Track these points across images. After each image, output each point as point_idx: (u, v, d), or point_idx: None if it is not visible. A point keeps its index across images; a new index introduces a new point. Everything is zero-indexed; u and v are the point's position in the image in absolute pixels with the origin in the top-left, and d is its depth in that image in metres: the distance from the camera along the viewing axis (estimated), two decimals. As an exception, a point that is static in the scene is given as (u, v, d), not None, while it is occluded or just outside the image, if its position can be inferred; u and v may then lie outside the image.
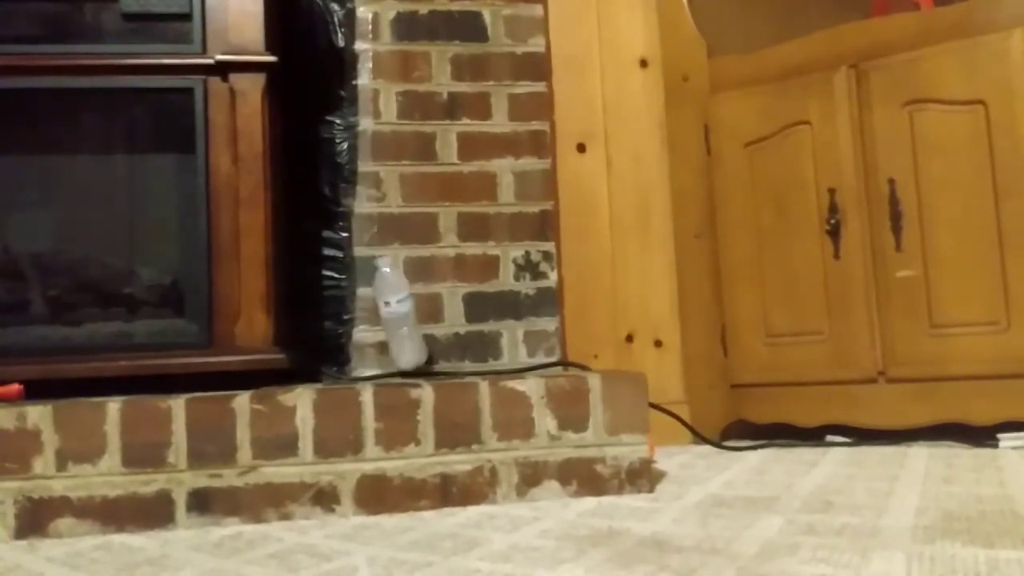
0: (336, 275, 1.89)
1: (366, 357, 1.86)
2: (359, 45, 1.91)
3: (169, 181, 1.77)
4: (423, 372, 1.79)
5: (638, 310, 2.17)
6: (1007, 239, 1.81)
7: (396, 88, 1.91)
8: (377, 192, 1.88)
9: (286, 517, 1.35)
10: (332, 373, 1.83)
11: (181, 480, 1.33)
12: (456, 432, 1.41)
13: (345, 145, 1.90)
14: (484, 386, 1.43)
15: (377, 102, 1.90)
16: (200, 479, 1.33)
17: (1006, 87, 1.82)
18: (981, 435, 1.82)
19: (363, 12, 1.92)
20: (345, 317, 1.88)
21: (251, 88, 1.68)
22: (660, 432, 1.82)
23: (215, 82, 1.68)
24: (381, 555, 1.10)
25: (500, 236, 1.93)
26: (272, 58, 1.69)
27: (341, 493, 1.37)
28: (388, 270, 1.67)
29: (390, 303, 1.67)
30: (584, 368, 1.73)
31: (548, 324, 1.94)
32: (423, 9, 1.93)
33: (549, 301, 1.95)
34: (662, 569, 0.96)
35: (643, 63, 2.22)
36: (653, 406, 1.65)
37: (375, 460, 1.38)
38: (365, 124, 1.90)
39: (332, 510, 1.36)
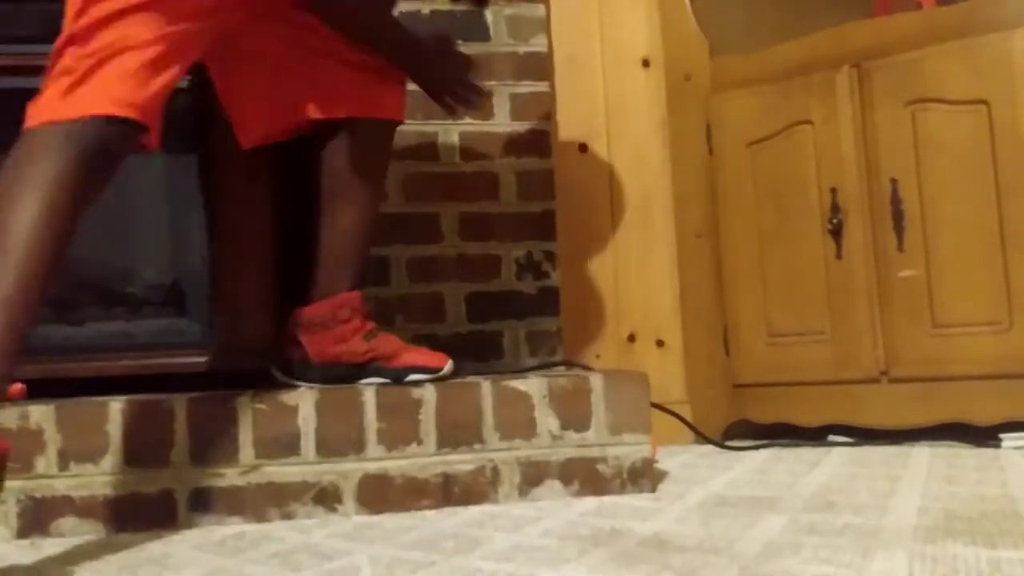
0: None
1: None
2: (361, 45, 1.91)
3: (170, 180, 1.77)
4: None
5: (640, 310, 2.17)
6: (1009, 239, 1.81)
7: (398, 88, 1.91)
8: (379, 192, 1.88)
9: (288, 516, 1.35)
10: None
11: (183, 479, 1.33)
12: (458, 432, 1.41)
13: (347, 145, 1.90)
14: (486, 386, 1.43)
15: (379, 102, 1.90)
16: (202, 478, 1.33)
17: (1009, 87, 1.82)
18: (983, 435, 1.82)
19: (365, 12, 1.92)
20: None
21: (253, 88, 1.67)
22: (662, 432, 1.82)
23: (217, 82, 1.68)
24: (383, 554, 1.10)
25: (502, 236, 1.93)
26: (274, 58, 1.69)
27: (343, 492, 1.37)
28: None
29: None
30: (586, 368, 1.73)
31: (550, 324, 1.94)
32: (425, 9, 1.93)
33: (551, 301, 1.95)
34: (664, 569, 0.96)
35: (645, 63, 2.22)
36: (655, 406, 1.65)
37: (377, 459, 1.38)
38: (367, 124, 1.89)
39: (334, 509, 1.36)
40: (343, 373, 1.47)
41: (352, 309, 1.47)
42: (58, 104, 1.10)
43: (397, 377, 1.46)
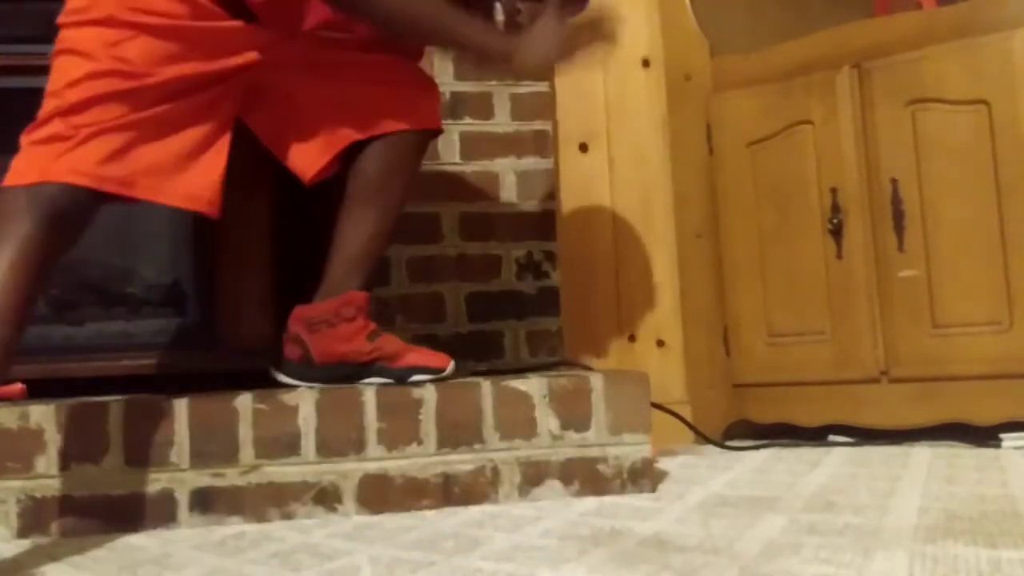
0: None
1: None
2: (361, 45, 1.91)
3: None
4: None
5: (640, 310, 2.17)
6: (1009, 239, 1.81)
7: (398, 88, 1.91)
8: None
9: (288, 516, 1.35)
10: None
11: (183, 479, 1.33)
12: (458, 432, 1.41)
13: (347, 145, 1.90)
14: (486, 386, 1.43)
15: (379, 102, 1.90)
16: (202, 478, 1.33)
17: (1009, 87, 1.82)
18: (984, 435, 1.82)
19: (365, 12, 1.92)
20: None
21: (253, 88, 1.67)
22: (662, 432, 1.82)
23: (217, 81, 1.68)
24: (383, 554, 1.10)
25: (502, 236, 1.93)
26: (274, 58, 1.69)
27: (343, 492, 1.37)
28: None
29: None
30: (586, 368, 1.73)
31: (550, 324, 1.94)
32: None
33: (551, 301, 1.95)
34: (664, 569, 0.96)
35: (645, 62, 2.22)
36: (655, 406, 1.65)
37: (377, 459, 1.38)
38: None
39: (334, 509, 1.36)
40: (346, 373, 1.47)
41: (357, 308, 1.47)
42: (44, 167, 1.16)
43: (400, 377, 1.46)
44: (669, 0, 2.23)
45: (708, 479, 1.57)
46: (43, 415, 1.30)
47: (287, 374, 1.47)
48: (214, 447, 1.34)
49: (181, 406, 1.34)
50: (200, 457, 1.33)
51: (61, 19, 1.24)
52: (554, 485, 1.43)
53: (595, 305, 2.15)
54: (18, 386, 1.50)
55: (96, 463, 1.30)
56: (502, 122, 1.95)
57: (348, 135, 1.48)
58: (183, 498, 1.32)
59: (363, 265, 1.50)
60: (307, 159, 1.49)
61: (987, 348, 1.82)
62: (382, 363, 1.48)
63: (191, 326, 1.75)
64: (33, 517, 1.28)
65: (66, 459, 1.30)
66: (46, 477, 1.29)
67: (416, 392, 1.41)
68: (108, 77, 1.20)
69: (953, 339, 1.86)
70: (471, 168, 1.93)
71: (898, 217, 1.92)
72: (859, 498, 1.32)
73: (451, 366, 1.50)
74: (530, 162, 1.96)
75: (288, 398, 1.37)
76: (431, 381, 1.45)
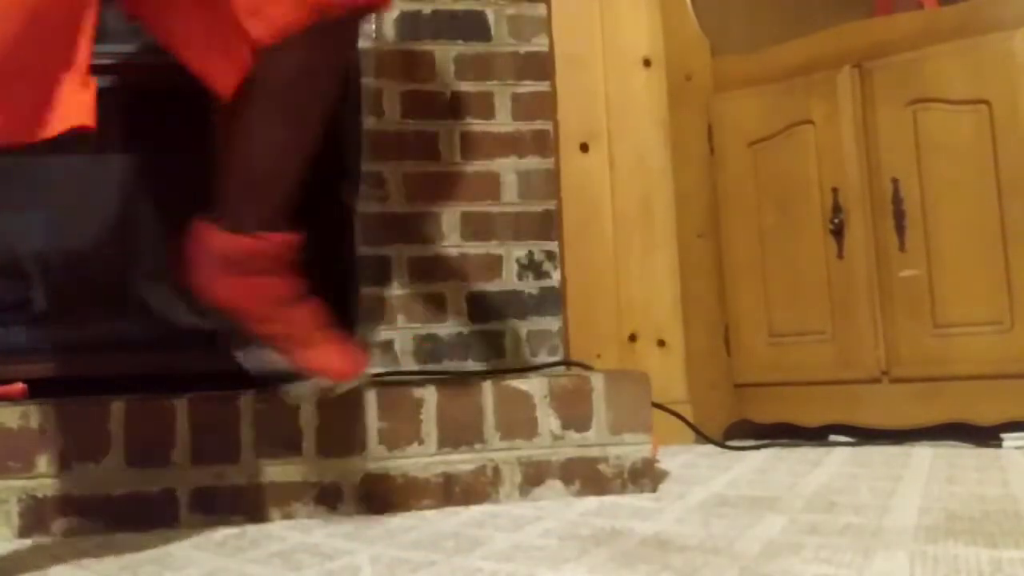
0: (339, 275, 1.89)
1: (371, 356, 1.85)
2: (362, 44, 1.91)
3: (173, 179, 1.77)
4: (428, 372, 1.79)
5: (641, 310, 2.17)
6: (1011, 238, 1.81)
7: (399, 87, 1.91)
8: (380, 191, 1.88)
9: (289, 516, 1.35)
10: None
11: (184, 479, 1.33)
12: (459, 431, 1.41)
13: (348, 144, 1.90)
14: (487, 385, 1.43)
15: (380, 101, 1.90)
16: (203, 478, 1.33)
17: (1010, 86, 1.82)
18: (985, 435, 1.82)
19: (366, 11, 1.92)
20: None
21: (254, 87, 1.67)
22: (663, 432, 1.82)
23: (218, 81, 1.67)
24: (384, 554, 1.10)
25: (503, 236, 1.93)
26: (275, 57, 1.69)
27: (344, 492, 1.37)
28: None
29: None
30: (587, 368, 1.73)
31: (551, 324, 1.94)
32: (427, 8, 1.93)
33: (552, 301, 1.95)
34: (664, 568, 0.96)
35: (646, 62, 2.22)
36: (656, 405, 1.64)
37: (378, 459, 1.38)
38: (368, 123, 1.90)
39: (335, 509, 1.36)
40: (229, 328, 1.24)
41: (280, 258, 1.22)
42: None
43: (278, 378, 1.26)
44: (670, 0, 2.23)
45: (709, 479, 1.57)
46: (43, 415, 1.30)
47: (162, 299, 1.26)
48: (215, 447, 1.34)
49: (182, 406, 1.34)
50: (201, 456, 1.33)
51: None
52: (555, 485, 1.43)
53: (596, 305, 2.15)
54: (19, 386, 1.50)
55: (97, 463, 1.31)
56: (503, 122, 1.95)
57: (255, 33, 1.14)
58: (184, 497, 1.32)
59: (273, 192, 1.19)
60: (222, 68, 1.20)
61: (988, 348, 1.82)
62: (277, 344, 1.20)
63: (191, 326, 1.75)
64: (34, 516, 1.29)
65: (67, 459, 1.30)
66: (47, 477, 1.29)
67: (417, 392, 1.41)
68: None
69: (954, 339, 1.86)
70: (471, 168, 1.93)
71: (899, 217, 1.92)
72: (860, 498, 1.32)
73: (356, 379, 1.29)
74: (531, 162, 1.95)
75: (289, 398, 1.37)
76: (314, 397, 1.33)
